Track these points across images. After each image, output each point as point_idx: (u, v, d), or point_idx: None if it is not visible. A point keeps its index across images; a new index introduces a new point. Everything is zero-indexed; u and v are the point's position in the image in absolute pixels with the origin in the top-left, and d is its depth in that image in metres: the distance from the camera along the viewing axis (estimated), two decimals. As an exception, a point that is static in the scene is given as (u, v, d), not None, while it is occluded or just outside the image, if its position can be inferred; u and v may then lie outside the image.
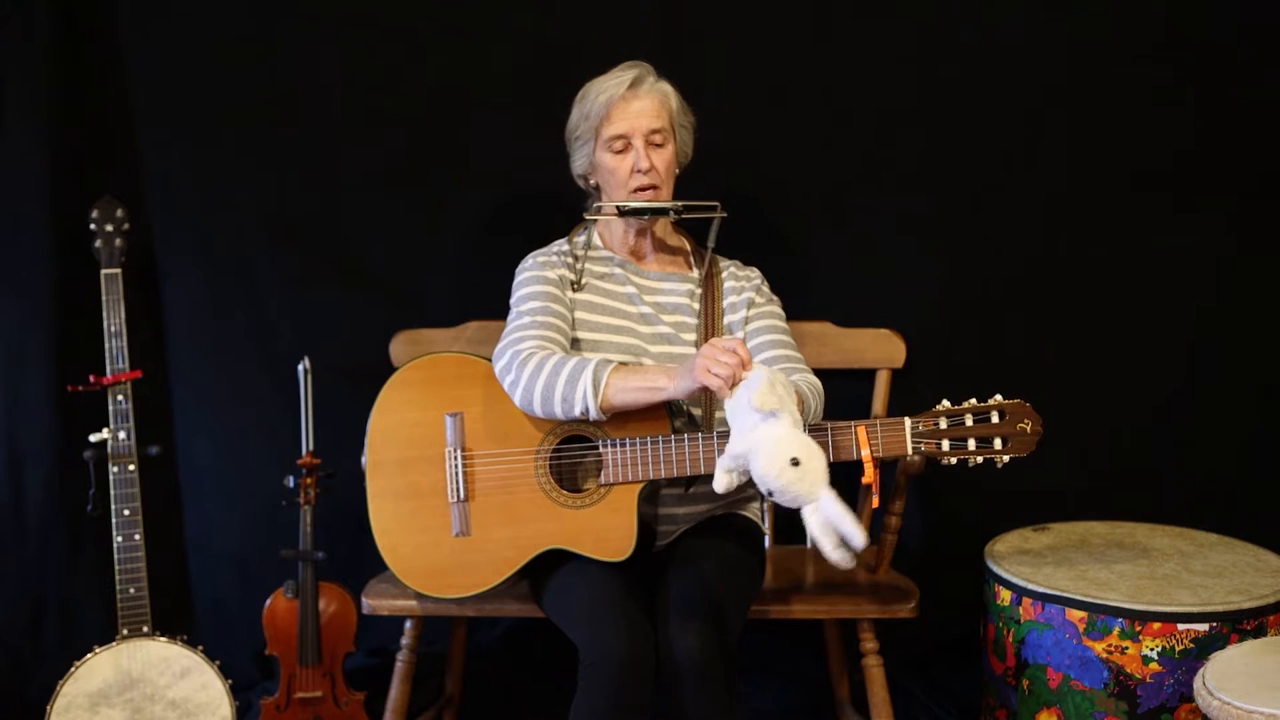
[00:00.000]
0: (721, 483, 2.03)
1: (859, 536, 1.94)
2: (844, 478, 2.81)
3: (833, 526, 1.95)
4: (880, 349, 2.82)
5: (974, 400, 2.19)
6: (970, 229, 2.97)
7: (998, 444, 2.16)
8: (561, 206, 2.63)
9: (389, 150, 2.99)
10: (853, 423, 2.18)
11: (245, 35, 2.95)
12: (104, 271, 2.76)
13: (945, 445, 2.17)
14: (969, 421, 2.17)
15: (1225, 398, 2.98)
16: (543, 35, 2.94)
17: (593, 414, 2.18)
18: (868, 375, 2.83)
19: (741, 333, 2.42)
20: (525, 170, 2.95)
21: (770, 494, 1.99)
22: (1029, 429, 2.16)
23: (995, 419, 2.16)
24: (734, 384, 2.05)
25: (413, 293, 3.02)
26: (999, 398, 2.19)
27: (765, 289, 2.48)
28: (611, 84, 2.37)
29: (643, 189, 2.38)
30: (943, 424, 2.17)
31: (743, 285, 2.46)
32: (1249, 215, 2.95)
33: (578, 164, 2.47)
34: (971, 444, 2.16)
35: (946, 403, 2.19)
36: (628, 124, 2.36)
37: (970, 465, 2.18)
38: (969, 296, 2.98)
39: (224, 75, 2.95)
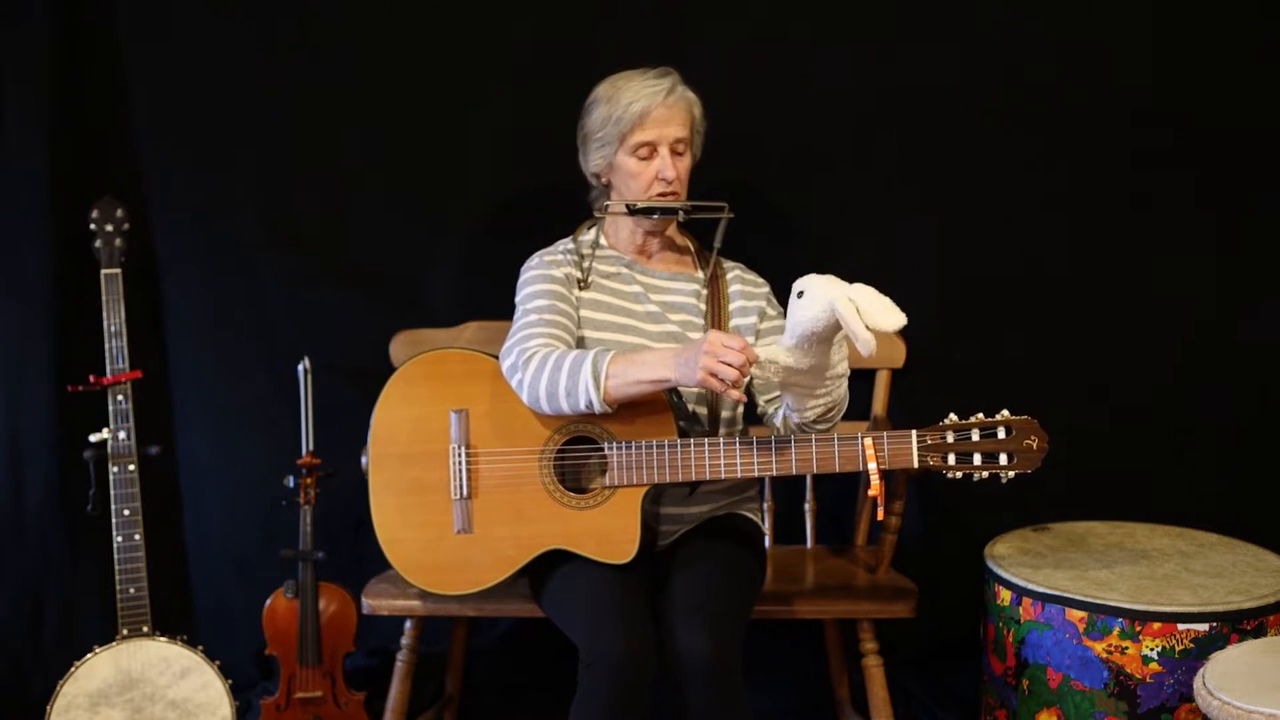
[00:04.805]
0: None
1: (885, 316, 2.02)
2: (847, 483, 2.86)
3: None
4: (880, 349, 2.77)
5: (981, 415, 2.18)
6: (970, 230, 2.98)
7: (1003, 459, 2.16)
8: (561, 206, 2.63)
9: (389, 150, 2.99)
10: (859, 434, 2.18)
11: (246, 35, 2.95)
12: (104, 271, 2.76)
13: (951, 459, 2.16)
14: (975, 436, 2.16)
15: (1225, 397, 2.99)
16: (543, 35, 2.94)
17: (597, 407, 2.18)
18: (868, 375, 2.83)
19: (752, 337, 2.43)
20: (525, 170, 2.95)
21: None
22: (1035, 445, 2.16)
23: (1002, 434, 2.16)
24: (739, 387, 2.07)
25: (413, 293, 3.02)
26: (1006, 413, 2.18)
27: (775, 300, 2.49)
28: (646, 92, 2.34)
29: (664, 195, 2.37)
30: (949, 438, 2.17)
31: (752, 291, 2.47)
32: (1248, 217, 2.95)
33: (593, 163, 2.44)
34: (977, 459, 2.16)
35: (954, 416, 2.19)
36: (657, 133, 2.34)
37: (975, 479, 2.18)
38: (969, 297, 2.99)
39: (224, 75, 2.95)
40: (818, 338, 2.06)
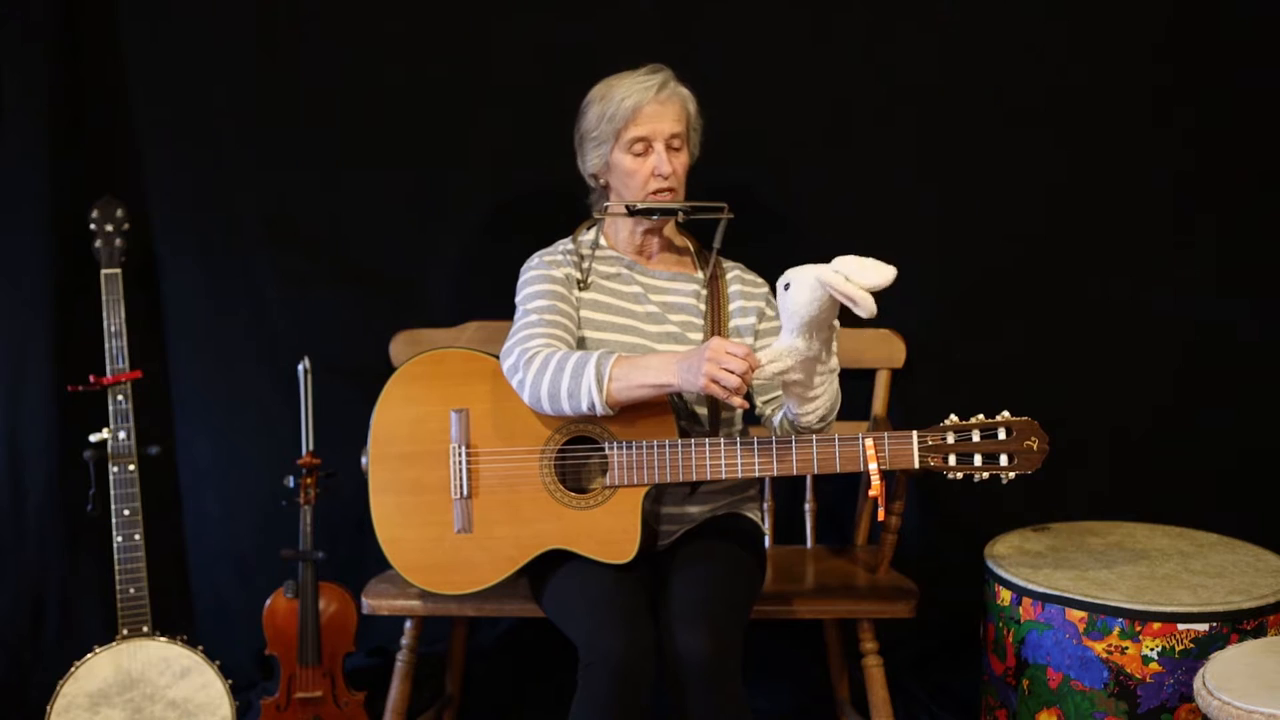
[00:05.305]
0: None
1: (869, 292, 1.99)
2: (847, 483, 2.85)
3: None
4: (880, 349, 2.82)
5: (981, 416, 2.19)
6: (970, 229, 2.98)
7: (1004, 460, 2.16)
8: (562, 206, 2.63)
9: (389, 150, 2.99)
10: (860, 435, 2.18)
11: (245, 35, 2.95)
12: (104, 271, 2.76)
13: (951, 460, 2.17)
14: (976, 437, 2.17)
15: (1224, 397, 2.99)
16: (544, 34, 2.94)
17: (599, 410, 2.19)
18: (868, 375, 2.83)
19: (751, 338, 2.43)
20: (525, 170, 2.95)
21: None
22: (1035, 446, 2.16)
23: (1002, 435, 2.16)
24: (741, 394, 2.08)
25: (413, 293, 3.02)
26: (1006, 414, 2.19)
27: (774, 300, 2.48)
28: (638, 88, 2.35)
29: (660, 192, 2.38)
30: (950, 439, 2.17)
31: (752, 292, 2.47)
32: (1248, 216, 2.95)
33: (591, 163, 2.45)
34: (978, 459, 2.16)
35: (954, 417, 2.19)
36: (651, 128, 2.35)
37: (976, 480, 2.18)
38: (969, 296, 2.99)
39: (224, 75, 2.95)
40: (816, 322, 2.06)
